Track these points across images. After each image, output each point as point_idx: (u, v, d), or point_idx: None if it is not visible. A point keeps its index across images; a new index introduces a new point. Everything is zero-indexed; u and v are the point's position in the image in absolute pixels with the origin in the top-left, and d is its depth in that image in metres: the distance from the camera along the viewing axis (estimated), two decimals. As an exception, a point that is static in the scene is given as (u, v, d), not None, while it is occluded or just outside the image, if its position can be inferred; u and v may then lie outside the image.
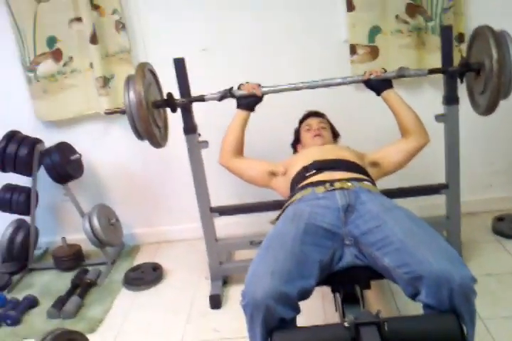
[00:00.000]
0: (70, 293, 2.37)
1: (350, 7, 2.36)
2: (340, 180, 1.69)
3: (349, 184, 1.67)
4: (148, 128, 1.85)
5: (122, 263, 2.70)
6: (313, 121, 2.19)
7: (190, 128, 2.13)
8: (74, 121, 2.67)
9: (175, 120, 2.13)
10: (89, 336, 1.79)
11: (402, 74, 1.99)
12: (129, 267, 2.60)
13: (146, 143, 2.64)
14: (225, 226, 2.42)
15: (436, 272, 1.26)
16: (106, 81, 2.52)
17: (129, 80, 1.88)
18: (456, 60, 2.11)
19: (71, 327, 2.08)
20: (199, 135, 2.17)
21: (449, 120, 2.08)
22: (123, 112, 1.90)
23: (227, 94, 2.03)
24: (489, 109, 1.88)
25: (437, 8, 2.31)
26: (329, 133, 2.18)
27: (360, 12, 2.36)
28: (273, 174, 2.04)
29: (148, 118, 1.83)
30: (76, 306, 2.26)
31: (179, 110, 2.08)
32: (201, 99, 2.06)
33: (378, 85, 1.99)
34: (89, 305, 2.32)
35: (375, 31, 2.38)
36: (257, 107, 2.06)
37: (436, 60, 2.21)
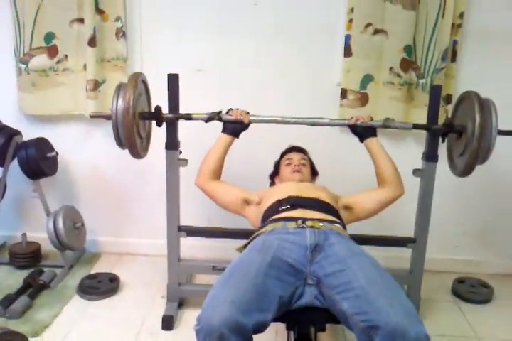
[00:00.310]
0: (20, 292, 2.31)
1: (348, 53, 2.43)
2: (312, 219, 1.72)
3: (320, 224, 1.70)
4: (131, 138, 1.86)
5: (80, 269, 2.65)
6: (294, 156, 2.23)
7: (172, 144, 2.13)
8: (57, 119, 2.65)
9: (159, 133, 2.14)
10: (31, 340, 1.75)
11: (387, 124, 2.04)
12: (85, 274, 2.56)
13: (126, 152, 2.67)
14: (190, 247, 2.41)
15: (392, 324, 1.28)
16: (97, 84, 2.51)
17: (120, 87, 1.88)
18: (441, 120, 2.19)
19: (14, 327, 2.05)
20: (180, 152, 2.18)
21: (426, 176, 2.14)
22: (108, 118, 1.90)
23: (215, 116, 2.05)
24: (466, 171, 1.95)
25: (430, 68, 2.40)
26: (308, 171, 2.21)
27: (357, 59, 2.43)
28: (247, 202, 2.05)
29: (133, 127, 1.84)
30: (24, 306, 2.21)
31: (164, 124, 2.09)
32: (188, 117, 2.07)
33: (363, 132, 2.04)
34: (38, 307, 2.27)
35: (367, 79, 2.45)
36: (242, 135, 2.08)
37: (421, 116, 2.29)
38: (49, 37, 2.50)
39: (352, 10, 2.38)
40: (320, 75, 2.54)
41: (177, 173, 2.18)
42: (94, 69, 2.48)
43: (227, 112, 2.06)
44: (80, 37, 2.48)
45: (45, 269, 2.54)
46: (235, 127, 2.05)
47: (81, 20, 2.46)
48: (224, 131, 2.06)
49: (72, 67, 2.55)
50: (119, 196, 2.79)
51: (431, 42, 2.38)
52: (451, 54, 2.40)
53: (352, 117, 2.05)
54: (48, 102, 2.58)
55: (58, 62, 2.54)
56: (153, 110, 2.04)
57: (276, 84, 2.56)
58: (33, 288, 2.37)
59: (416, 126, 2.08)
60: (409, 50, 2.40)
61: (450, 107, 2.43)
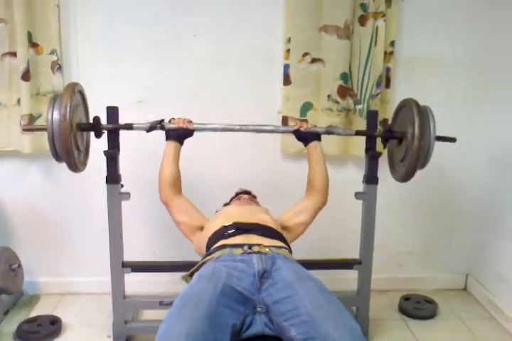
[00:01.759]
0: (-51, 344, 2.16)
1: (287, 81, 2.48)
2: (258, 245, 1.70)
3: (267, 249, 1.68)
4: (68, 149, 1.77)
5: (17, 313, 2.50)
6: (244, 195, 2.24)
7: (113, 177, 2.08)
8: (-10, 155, 2.54)
9: (97, 167, 2.09)
10: None
11: (330, 131, 2.09)
12: (24, 318, 2.41)
13: (64, 187, 2.59)
14: (135, 282, 2.33)
15: None
16: (32, 119, 2.43)
17: (55, 98, 1.81)
18: (379, 143, 2.25)
19: None
20: (122, 186, 2.13)
21: (368, 198, 2.19)
22: (43, 129, 1.81)
23: (157, 125, 2.00)
24: (407, 175, 2.00)
25: (366, 94, 2.48)
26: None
27: (295, 87, 2.48)
28: (200, 229, 2.01)
29: (70, 138, 1.76)
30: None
31: (103, 157, 2.03)
32: (129, 127, 2.01)
33: (307, 136, 2.08)
34: (-30, 359, 2.12)
35: (307, 106, 2.51)
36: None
37: (360, 141, 2.34)
38: (-21, 71, 2.42)
39: (289, 40, 2.44)
40: (261, 103, 2.58)
41: (119, 207, 2.12)
42: (28, 103, 2.40)
43: (169, 121, 2.03)
44: (12, 71, 2.41)
45: (-21, 316, 2.38)
46: (178, 133, 2.02)
47: (13, 54, 2.38)
48: (167, 138, 2.02)
49: (5, 102, 2.46)
50: (58, 234, 2.67)
51: (366, 70, 2.47)
52: (386, 80, 2.50)
53: (296, 123, 2.11)
54: (-21, 139, 2.47)
55: (-10, 97, 2.45)
56: (91, 121, 1.97)
57: (219, 113, 2.54)
58: (-35, 338, 2.22)
59: (358, 133, 2.15)
60: (345, 77, 2.47)
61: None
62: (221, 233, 1.83)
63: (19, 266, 2.53)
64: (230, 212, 2.01)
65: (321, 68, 2.48)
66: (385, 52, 2.46)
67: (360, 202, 2.22)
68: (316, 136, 2.08)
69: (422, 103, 1.96)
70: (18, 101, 2.43)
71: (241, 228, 1.83)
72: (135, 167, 2.33)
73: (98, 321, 2.42)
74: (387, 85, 2.51)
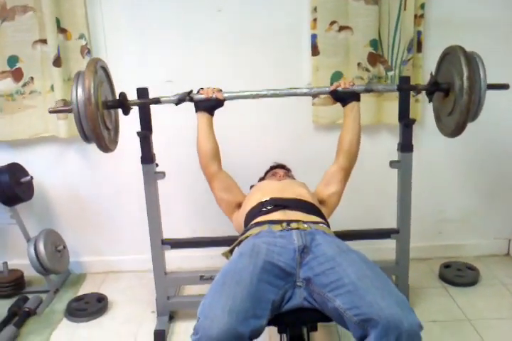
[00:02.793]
0: (5, 322, 2.25)
1: (315, 52, 2.43)
2: (296, 221, 1.70)
3: (305, 225, 1.68)
4: (96, 129, 1.68)
5: (66, 292, 2.60)
6: (279, 171, 2.23)
7: (147, 157, 2.10)
8: (28, 142, 2.60)
9: (132, 147, 2.11)
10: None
11: (370, 88, 1.96)
12: (72, 297, 2.51)
13: (102, 170, 2.64)
14: (176, 259, 2.38)
15: (385, 316, 1.27)
16: (66, 104, 2.48)
17: (78, 76, 1.72)
18: (413, 109, 2.20)
19: (3, 359, 2.01)
20: (156, 165, 2.15)
21: (403, 166, 2.14)
22: (69, 111, 1.74)
23: (186, 97, 1.93)
24: (457, 129, 1.83)
25: (397, 60, 2.42)
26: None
27: (324, 57, 2.43)
28: (239, 206, 2.00)
29: (97, 117, 1.68)
30: (11, 337, 2.15)
31: (135, 137, 2.04)
32: (157, 100, 1.95)
33: (346, 96, 1.98)
34: (26, 335, 2.21)
35: (337, 76, 2.45)
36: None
37: (393, 109, 2.31)
38: (12, 60, 2.46)
39: (315, 9, 2.39)
40: (290, 76, 2.53)
41: (155, 186, 2.15)
42: (62, 89, 2.45)
43: (198, 92, 1.97)
44: (44, 58, 2.46)
45: (30, 296, 2.48)
46: (206, 104, 1.96)
47: (44, 41, 2.42)
48: (197, 109, 1.97)
49: (39, 89, 2.51)
50: (98, 214, 2.74)
51: (396, 35, 2.39)
52: (417, 44, 2.42)
53: (332, 83, 2.00)
54: (17, 126, 2.53)
55: (24, 85, 2.50)
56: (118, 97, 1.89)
57: (247, 89, 2.54)
58: (19, 316, 2.31)
59: (400, 88, 2.00)
60: (375, 44, 2.40)
61: (420, 97, 2.45)
62: (259, 209, 1.83)
63: (64, 247, 2.63)
64: (266, 187, 2.00)
65: (349, 36, 2.42)
66: (415, 16, 2.37)
67: (396, 170, 2.18)
68: (355, 96, 1.98)
69: None
70: (52, 87, 2.48)
71: (278, 204, 1.82)
72: (170, 145, 2.33)
73: (142, 297, 2.49)
74: (419, 49, 2.43)
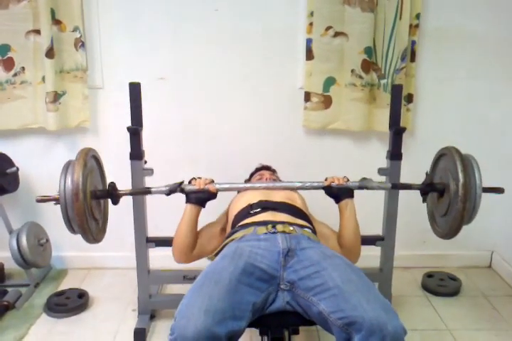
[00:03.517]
0: (-17, 315, 2.23)
1: (310, 56, 2.44)
2: (282, 223, 1.70)
3: (291, 228, 1.68)
4: (84, 224, 1.62)
5: (46, 286, 2.57)
6: (265, 172, 2.23)
7: (136, 153, 2.08)
8: (16, 133, 2.58)
9: (123, 142, 2.09)
10: (-2, 365, 1.69)
11: (364, 185, 1.90)
12: (53, 291, 2.48)
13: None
14: (159, 257, 2.36)
15: (370, 319, 1.28)
16: (57, 96, 2.45)
17: (68, 165, 1.68)
18: (403, 119, 2.21)
19: (-21, 353, 1.98)
20: (145, 162, 2.14)
21: (391, 174, 2.15)
22: (56, 201, 1.66)
23: (177, 188, 1.87)
24: (451, 233, 1.81)
25: (390, 68, 2.43)
26: None
27: (318, 62, 2.44)
28: (224, 229, 1.98)
29: (85, 211, 1.61)
30: (-12, 330, 2.13)
31: (127, 134, 2.03)
32: (148, 191, 1.90)
33: (340, 192, 1.90)
34: (3, 329, 2.18)
35: (330, 82, 2.47)
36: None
37: (384, 116, 2.33)
38: (4, 49, 2.43)
39: (312, 13, 2.40)
40: (283, 79, 2.55)
41: (142, 183, 2.13)
42: (53, 80, 2.42)
43: (189, 182, 1.91)
44: (37, 48, 2.43)
45: (10, 289, 2.44)
46: (199, 196, 1.88)
47: (37, 32, 2.40)
48: (188, 201, 1.89)
49: (30, 80, 2.48)
50: (84, 209, 2.71)
51: (390, 43, 2.41)
52: (411, 54, 2.44)
53: (326, 178, 1.94)
54: (5, 116, 2.50)
55: (15, 74, 2.47)
56: (107, 187, 1.82)
57: (240, 90, 2.56)
58: (-3, 309, 2.28)
59: (395, 186, 1.98)
60: (369, 51, 2.42)
61: (412, 106, 2.48)
62: (247, 211, 1.84)
63: (47, 240, 2.60)
64: (254, 191, 1.98)
65: (344, 42, 2.43)
66: (411, 25, 2.39)
67: (384, 178, 2.19)
68: (349, 193, 1.90)
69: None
70: (43, 78, 2.45)
71: (267, 206, 1.83)
72: (158, 142, 2.32)
73: (123, 295, 2.48)
74: (412, 59, 2.45)
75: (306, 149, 2.59)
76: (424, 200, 1.96)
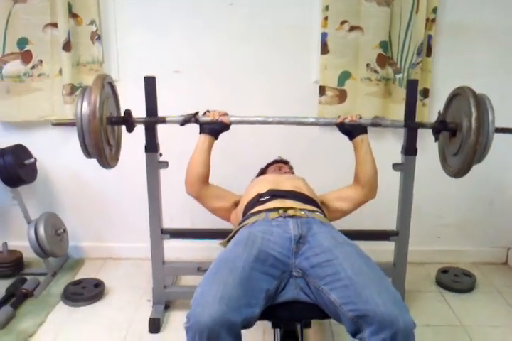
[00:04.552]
0: (2, 302, 2.27)
1: (325, 50, 2.43)
2: (293, 208, 1.71)
3: (302, 212, 1.69)
4: (99, 145, 1.67)
5: (64, 275, 2.63)
6: (285, 166, 2.26)
7: (152, 146, 2.11)
8: (34, 125, 2.61)
9: (138, 135, 2.11)
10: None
11: (377, 123, 1.94)
12: (69, 281, 2.53)
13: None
14: (174, 249, 2.40)
15: (381, 313, 1.29)
16: (73, 89, 2.49)
17: (84, 91, 1.72)
18: (419, 113, 2.20)
19: (-2, 339, 2.03)
20: (160, 155, 2.16)
21: (406, 169, 2.15)
22: (73, 124, 1.71)
23: (191, 118, 1.92)
24: (462, 171, 1.82)
25: (406, 63, 2.42)
26: None
27: (333, 56, 2.44)
28: (236, 205, 2.01)
29: (101, 133, 1.67)
30: (7, 317, 2.17)
31: (142, 127, 2.05)
32: (162, 120, 1.96)
33: (353, 129, 1.94)
34: (22, 316, 2.23)
35: (345, 76, 2.46)
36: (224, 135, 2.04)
37: (399, 110, 2.32)
38: (22, 42, 2.47)
39: (327, 7, 2.39)
40: (298, 73, 2.55)
41: (157, 175, 2.16)
42: (70, 73, 2.46)
43: (204, 114, 1.96)
44: (54, 41, 2.46)
45: (28, 277, 2.50)
46: (212, 127, 1.95)
47: (54, 25, 2.43)
48: (201, 131, 1.96)
49: (48, 72, 2.52)
50: (100, 200, 2.76)
51: (406, 38, 2.40)
52: (427, 48, 2.42)
53: (339, 116, 1.97)
54: (23, 108, 2.54)
55: (33, 67, 2.51)
56: (122, 114, 1.89)
57: (254, 84, 2.56)
58: (16, 297, 2.33)
59: (408, 125, 2.00)
60: (385, 45, 2.41)
61: (428, 101, 2.46)
62: (256, 199, 1.86)
63: (64, 230, 2.65)
64: (265, 180, 2.02)
65: (359, 36, 2.42)
66: (427, 20, 2.37)
67: (398, 173, 2.19)
68: (362, 129, 1.94)
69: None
70: (60, 71, 2.48)
71: (276, 194, 1.84)
72: (173, 135, 2.32)
73: (139, 285, 2.52)
74: (429, 54, 2.43)
75: (319, 143, 2.60)
76: (436, 139, 1.97)
